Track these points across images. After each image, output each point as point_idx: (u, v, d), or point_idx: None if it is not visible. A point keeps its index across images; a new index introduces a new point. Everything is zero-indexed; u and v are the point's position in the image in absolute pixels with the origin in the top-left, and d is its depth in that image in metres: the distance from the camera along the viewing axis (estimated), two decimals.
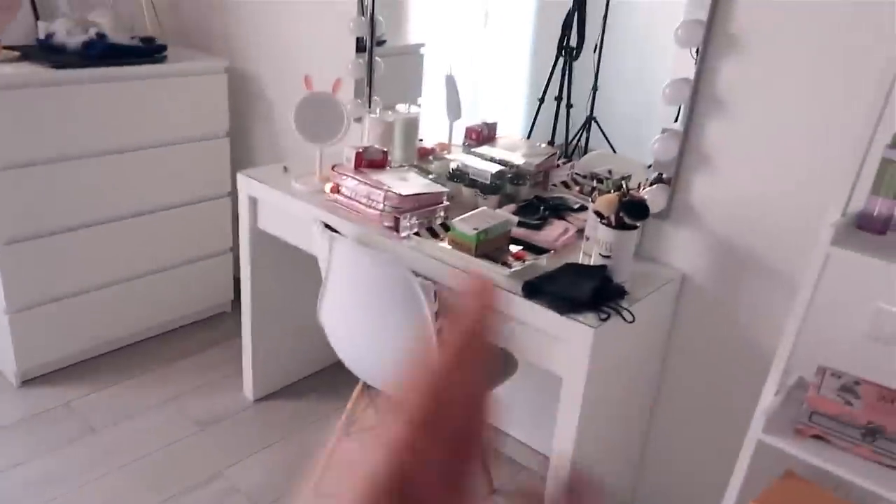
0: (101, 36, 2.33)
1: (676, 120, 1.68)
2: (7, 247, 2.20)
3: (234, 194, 2.84)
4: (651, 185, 1.73)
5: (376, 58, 2.31)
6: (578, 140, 1.98)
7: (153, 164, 2.49)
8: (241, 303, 2.34)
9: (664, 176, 1.73)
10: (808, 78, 1.48)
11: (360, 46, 2.32)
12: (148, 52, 2.41)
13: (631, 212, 1.57)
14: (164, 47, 2.47)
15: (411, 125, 2.14)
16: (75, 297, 2.42)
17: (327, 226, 1.78)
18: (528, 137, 2.08)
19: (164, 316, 2.73)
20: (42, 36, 2.35)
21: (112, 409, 2.33)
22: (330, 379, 2.59)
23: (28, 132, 2.15)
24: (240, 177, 2.15)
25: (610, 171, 1.89)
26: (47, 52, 2.29)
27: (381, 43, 2.31)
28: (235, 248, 2.92)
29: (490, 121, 2.17)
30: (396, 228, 1.80)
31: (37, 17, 2.40)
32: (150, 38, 2.51)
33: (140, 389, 2.44)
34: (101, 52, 2.29)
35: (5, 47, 2.25)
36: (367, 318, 1.70)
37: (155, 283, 2.64)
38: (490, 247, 1.70)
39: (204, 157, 2.63)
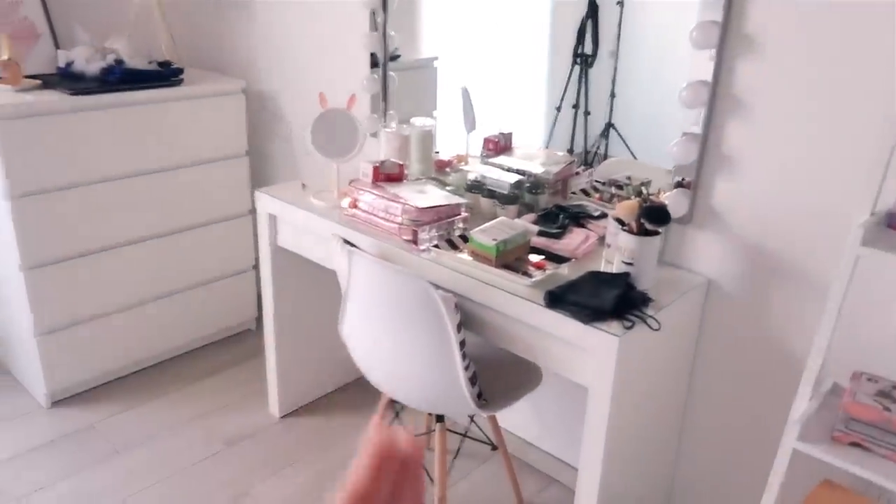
0: (118, 62, 2.36)
1: (697, 123, 1.65)
2: (33, 271, 2.23)
3: (254, 213, 2.86)
4: (672, 189, 1.71)
5: (390, 72, 2.31)
6: (598, 147, 1.96)
7: (174, 186, 2.52)
8: (264, 320, 2.34)
9: (685, 180, 1.70)
10: (828, 75, 1.45)
11: (373, 62, 2.32)
12: (165, 75, 2.44)
13: (652, 217, 1.55)
14: (180, 70, 2.50)
15: (427, 138, 2.13)
16: (101, 318, 2.45)
17: (346, 241, 1.78)
18: (547, 146, 2.07)
19: (189, 335, 2.74)
20: (62, 64, 2.39)
21: (139, 428, 2.35)
22: (354, 394, 2.58)
23: (51, 158, 2.19)
24: (258, 195, 2.16)
25: (629, 178, 1.86)
26: (67, 80, 2.32)
27: (395, 58, 2.31)
28: (258, 266, 2.94)
29: (506, 131, 2.16)
30: (415, 241, 1.79)
31: (57, 46, 2.44)
32: (167, 62, 2.54)
33: (166, 409, 2.46)
34: (119, 78, 2.32)
35: (27, 76, 2.30)
36: (388, 332, 1.69)
37: (179, 303, 2.66)
38: (510, 257, 1.68)
39: (224, 176, 2.65)
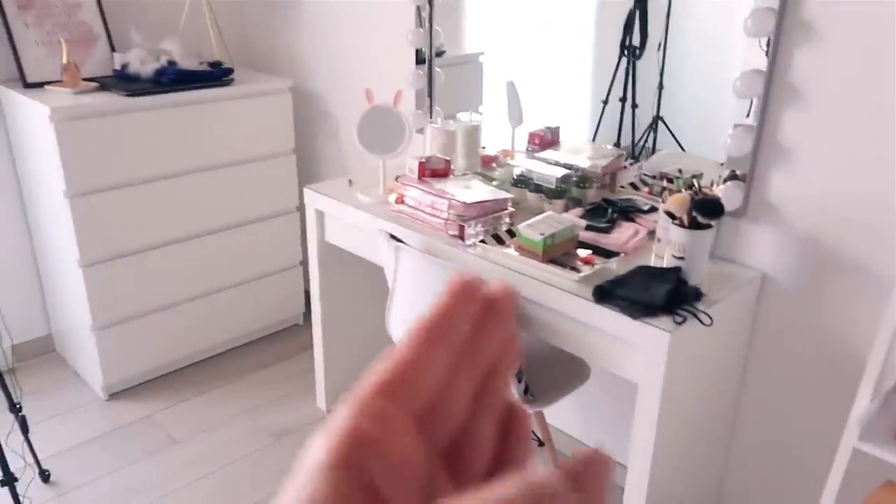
0: (171, 63, 2.43)
1: (748, 115, 1.61)
2: (91, 267, 2.31)
3: (302, 209, 2.90)
4: (724, 182, 1.67)
5: (436, 68, 2.31)
6: (645, 140, 1.93)
7: (224, 183, 2.57)
8: (312, 315, 2.37)
9: (738, 173, 1.66)
10: (889, 62, 1.39)
11: (419, 58, 2.33)
12: (216, 75, 2.50)
13: (705, 210, 1.51)
14: (230, 70, 2.55)
15: (473, 133, 2.13)
16: (155, 313, 2.51)
17: (393, 236, 1.79)
18: (594, 140, 2.04)
19: (239, 330, 2.80)
20: (118, 66, 2.46)
21: (191, 421, 2.41)
22: None
23: (107, 158, 2.26)
24: (306, 191, 2.19)
25: (680, 170, 1.83)
26: (123, 82, 2.39)
27: (440, 54, 2.31)
28: (305, 262, 2.98)
29: (553, 125, 2.14)
30: (462, 236, 1.79)
31: (112, 49, 2.51)
32: (218, 62, 2.60)
33: (217, 402, 2.51)
34: (172, 79, 2.38)
35: (85, 79, 2.37)
36: None
37: (229, 299, 2.71)
38: (558, 251, 1.67)
39: (272, 174, 2.70)
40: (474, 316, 0.27)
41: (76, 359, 2.62)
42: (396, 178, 1.98)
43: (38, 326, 2.73)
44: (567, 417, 2.26)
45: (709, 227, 1.54)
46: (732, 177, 1.67)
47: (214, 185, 2.54)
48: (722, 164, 1.71)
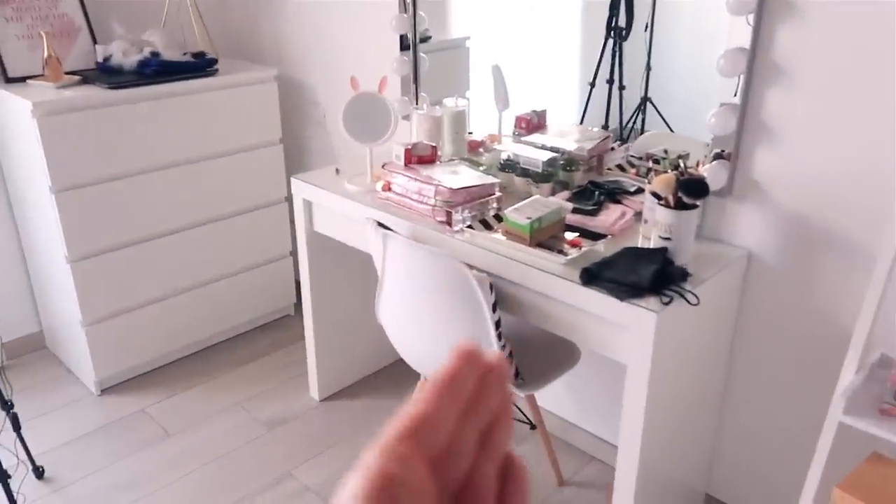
0: (154, 54, 2.40)
1: (735, 94, 1.61)
2: (79, 263, 2.30)
3: (290, 199, 2.89)
4: (710, 162, 1.67)
5: (421, 54, 2.30)
6: (634, 122, 1.93)
7: (211, 175, 2.56)
8: (302, 305, 2.37)
9: (724, 152, 1.66)
10: (875, 38, 1.39)
11: (404, 44, 2.32)
12: (200, 66, 2.48)
13: (689, 190, 1.51)
14: (214, 61, 2.53)
15: (460, 119, 2.12)
16: (145, 307, 2.51)
17: (380, 224, 1.79)
18: (582, 122, 2.04)
19: (231, 322, 2.80)
20: (100, 59, 2.44)
21: (185, 413, 2.41)
22: (393, 375, 2.60)
23: (92, 152, 2.24)
24: (294, 181, 2.18)
25: (666, 151, 1.83)
26: (106, 74, 2.37)
27: (425, 39, 2.30)
28: (295, 252, 2.98)
29: (539, 108, 2.13)
30: (449, 222, 1.79)
31: (94, 42, 2.49)
32: (202, 52, 2.58)
33: (210, 394, 2.51)
34: (155, 70, 2.36)
35: (67, 72, 2.35)
36: (423, 314, 1.69)
37: (220, 291, 2.71)
38: (545, 235, 1.67)
39: (259, 164, 2.68)
40: (477, 377, 0.32)
41: (67, 355, 2.61)
42: (383, 166, 1.97)
43: (28, 323, 2.72)
44: (559, 400, 2.27)
45: (694, 206, 1.54)
46: (718, 156, 1.67)
47: (201, 177, 2.53)
48: (709, 145, 1.71)
